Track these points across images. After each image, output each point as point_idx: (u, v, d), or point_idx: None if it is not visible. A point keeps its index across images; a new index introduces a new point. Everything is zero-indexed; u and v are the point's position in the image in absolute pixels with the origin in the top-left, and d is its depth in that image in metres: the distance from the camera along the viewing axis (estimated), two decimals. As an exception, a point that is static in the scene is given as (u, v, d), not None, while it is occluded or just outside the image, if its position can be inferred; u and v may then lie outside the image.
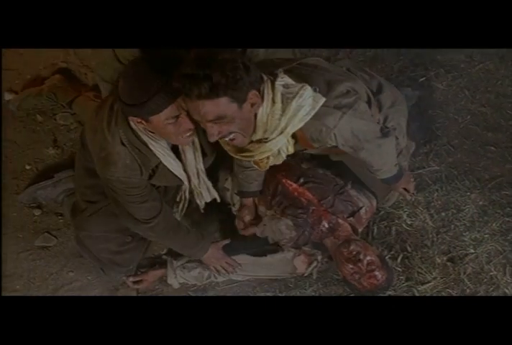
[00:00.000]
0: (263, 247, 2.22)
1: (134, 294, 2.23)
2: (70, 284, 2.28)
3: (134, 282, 2.23)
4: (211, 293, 2.24)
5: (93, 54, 2.59)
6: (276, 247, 2.20)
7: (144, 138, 1.74)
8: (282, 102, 1.61)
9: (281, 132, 1.66)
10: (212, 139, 1.60)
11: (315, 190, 2.12)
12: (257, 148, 1.71)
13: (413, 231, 2.26)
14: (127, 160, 1.77)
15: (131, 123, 1.72)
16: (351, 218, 2.09)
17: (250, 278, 2.24)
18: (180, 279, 2.23)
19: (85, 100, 2.47)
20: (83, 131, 1.97)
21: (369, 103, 1.84)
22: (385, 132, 1.85)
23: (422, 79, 2.55)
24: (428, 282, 2.14)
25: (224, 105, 1.51)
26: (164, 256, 2.28)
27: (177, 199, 2.10)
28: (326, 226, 2.07)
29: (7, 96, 2.58)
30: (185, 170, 1.91)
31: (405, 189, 2.11)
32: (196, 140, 1.84)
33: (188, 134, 1.70)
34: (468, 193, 2.32)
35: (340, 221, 2.08)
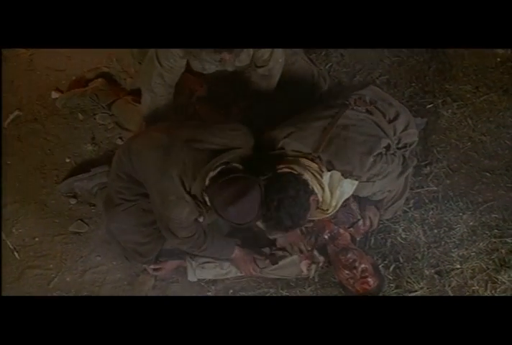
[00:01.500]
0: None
1: (152, 281, 2.49)
2: (97, 268, 2.55)
3: (154, 269, 2.48)
4: (220, 286, 2.50)
5: (134, 63, 2.86)
6: (283, 251, 2.45)
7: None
8: (330, 191, 2.05)
9: (335, 208, 2.12)
10: None
11: (321, 202, 2.38)
12: (320, 215, 2.17)
13: (407, 244, 2.50)
14: (192, 207, 2.04)
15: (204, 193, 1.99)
16: (351, 229, 2.35)
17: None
18: (200, 276, 2.47)
19: (124, 103, 2.71)
20: (133, 151, 2.16)
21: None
22: (401, 171, 2.23)
23: (429, 106, 2.75)
24: (415, 291, 2.38)
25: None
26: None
27: None
28: (328, 234, 2.33)
29: (54, 95, 2.83)
30: None
31: (369, 219, 2.39)
32: None
33: None
34: (461, 214, 2.54)
35: (341, 230, 2.34)
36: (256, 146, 2.14)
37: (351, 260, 2.23)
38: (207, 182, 1.93)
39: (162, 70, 2.34)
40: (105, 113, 2.79)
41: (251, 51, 2.35)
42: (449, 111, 2.75)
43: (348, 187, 2.06)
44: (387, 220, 2.52)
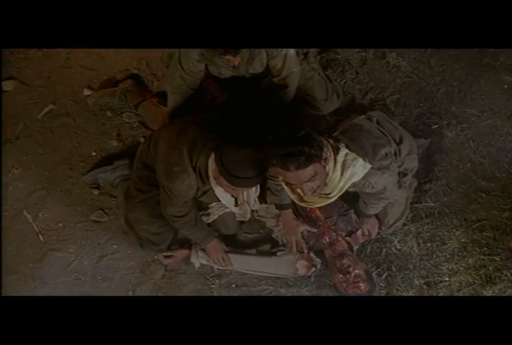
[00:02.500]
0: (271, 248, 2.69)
1: (162, 270, 2.70)
2: (112, 255, 2.76)
3: (165, 257, 2.69)
4: (224, 280, 2.69)
5: (161, 67, 3.06)
6: (284, 247, 2.65)
7: (210, 174, 2.21)
8: (341, 169, 2.10)
9: (340, 191, 2.16)
10: (308, 195, 2.07)
11: (324, 208, 2.55)
12: (322, 200, 2.20)
13: (400, 254, 2.67)
14: (192, 181, 2.23)
15: (210, 161, 2.18)
16: (348, 237, 2.53)
17: (259, 273, 2.68)
18: (202, 260, 2.68)
19: (149, 104, 2.91)
20: (156, 138, 2.40)
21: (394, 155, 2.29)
22: (399, 185, 2.37)
23: (435, 126, 2.90)
24: (404, 298, 2.56)
25: (315, 167, 1.96)
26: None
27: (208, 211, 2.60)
28: (327, 240, 2.52)
29: (86, 92, 3.03)
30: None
31: (368, 230, 2.55)
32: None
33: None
34: (454, 230, 2.70)
35: (339, 238, 2.52)
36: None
37: (345, 265, 2.41)
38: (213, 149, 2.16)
39: (183, 73, 2.52)
40: (131, 113, 2.99)
41: (264, 60, 2.48)
42: (453, 132, 2.90)
43: (359, 170, 2.11)
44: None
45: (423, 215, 2.75)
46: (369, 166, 2.11)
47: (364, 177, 2.15)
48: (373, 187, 2.22)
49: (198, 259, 2.69)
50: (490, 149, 2.87)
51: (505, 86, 3.00)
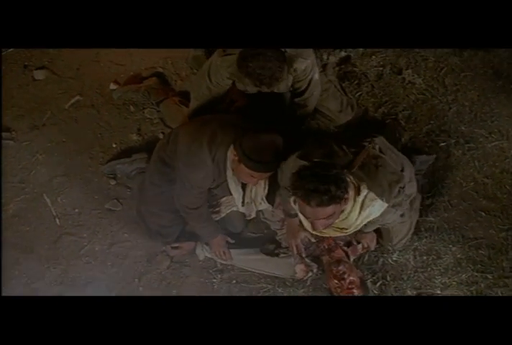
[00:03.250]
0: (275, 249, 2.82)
1: (168, 262, 2.83)
2: (123, 243, 2.91)
3: (172, 248, 2.82)
4: (226, 275, 2.82)
5: (186, 68, 3.20)
6: (287, 250, 2.76)
7: (228, 165, 2.34)
8: (360, 208, 2.18)
9: (356, 228, 2.29)
10: (317, 230, 2.19)
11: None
12: (336, 233, 2.35)
13: (396, 265, 2.77)
14: (209, 172, 2.37)
15: (229, 152, 2.31)
16: (346, 248, 2.64)
17: (258, 271, 2.81)
18: (206, 253, 2.81)
19: (171, 103, 3.05)
20: (176, 132, 2.54)
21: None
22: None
23: (443, 144, 2.99)
24: (395, 307, 2.67)
25: (335, 207, 2.03)
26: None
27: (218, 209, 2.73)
28: (326, 247, 2.64)
29: (112, 86, 3.18)
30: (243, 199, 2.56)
31: (367, 244, 2.65)
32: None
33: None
34: (450, 246, 2.79)
35: (338, 246, 2.64)
36: None
37: (341, 272, 2.54)
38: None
39: (211, 85, 2.65)
40: (153, 109, 3.12)
41: (290, 82, 2.59)
42: (460, 151, 2.98)
43: (377, 209, 2.19)
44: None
45: (422, 229, 2.84)
46: (385, 205, 2.19)
47: (381, 215, 2.26)
48: (384, 222, 2.38)
49: (202, 251, 2.82)
50: (494, 170, 2.95)
51: (517, 108, 3.09)
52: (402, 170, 2.39)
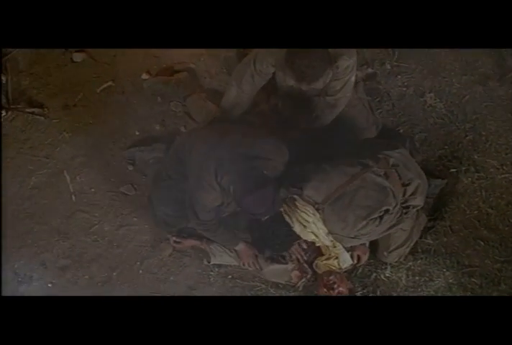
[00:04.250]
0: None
1: (170, 250, 2.97)
2: (131, 226, 3.04)
3: (175, 241, 2.96)
4: (223, 269, 2.94)
5: (216, 66, 3.31)
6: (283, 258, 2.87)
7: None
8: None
9: (324, 239, 2.52)
10: None
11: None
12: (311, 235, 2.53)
13: (388, 282, 2.85)
14: (217, 195, 2.46)
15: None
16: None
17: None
18: (215, 260, 2.91)
19: (198, 98, 3.16)
20: (191, 144, 2.57)
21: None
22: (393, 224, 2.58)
23: (453, 170, 3.04)
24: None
25: None
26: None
27: None
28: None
29: (144, 76, 3.29)
30: None
31: (358, 256, 2.74)
32: None
33: None
34: (444, 270, 2.86)
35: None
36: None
37: (331, 282, 2.64)
38: (234, 174, 2.36)
39: (254, 72, 2.71)
40: (179, 103, 3.23)
41: (328, 79, 2.61)
42: (469, 179, 3.03)
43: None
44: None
45: (419, 250, 2.92)
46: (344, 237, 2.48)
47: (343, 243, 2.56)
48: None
49: (216, 260, 2.91)
50: (500, 201, 3.00)
51: (533, 145, 3.12)
52: (409, 184, 2.54)
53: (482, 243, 2.92)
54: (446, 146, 3.13)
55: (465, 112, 3.19)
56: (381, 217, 2.43)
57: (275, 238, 2.59)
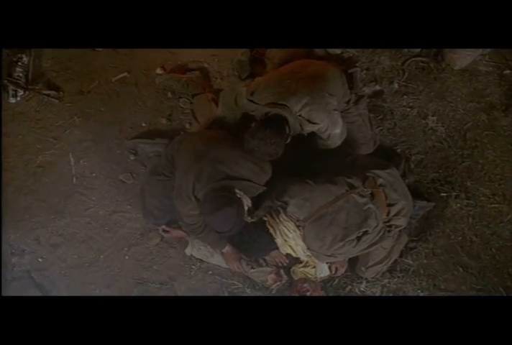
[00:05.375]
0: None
1: (158, 240, 3.08)
2: (124, 213, 3.16)
3: (164, 230, 3.05)
4: (204, 265, 3.04)
5: (229, 67, 3.41)
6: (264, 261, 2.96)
7: None
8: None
9: (301, 254, 2.68)
10: None
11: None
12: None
13: (361, 296, 2.91)
14: (194, 206, 2.55)
15: None
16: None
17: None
18: (194, 253, 3.01)
19: (204, 99, 3.26)
20: (178, 149, 2.70)
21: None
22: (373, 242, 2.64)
23: (444, 194, 3.08)
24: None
25: None
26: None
27: None
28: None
29: (158, 70, 3.41)
30: None
31: (336, 268, 2.80)
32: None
33: None
34: (419, 291, 2.91)
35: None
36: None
37: (304, 289, 2.71)
38: (208, 191, 2.45)
39: (236, 107, 2.79)
40: (187, 100, 3.33)
41: (316, 128, 2.64)
42: (458, 205, 3.07)
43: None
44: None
45: (398, 269, 2.97)
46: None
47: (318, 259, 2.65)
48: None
49: (193, 251, 3.01)
50: (485, 230, 3.03)
51: (527, 178, 3.13)
52: (393, 204, 2.60)
53: (461, 269, 2.96)
54: (440, 170, 3.16)
55: (465, 139, 3.22)
56: (359, 238, 2.49)
57: (255, 244, 2.65)
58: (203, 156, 2.54)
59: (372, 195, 2.56)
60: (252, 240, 2.63)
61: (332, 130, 2.68)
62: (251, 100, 2.64)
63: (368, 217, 2.49)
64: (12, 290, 2.91)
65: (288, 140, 2.60)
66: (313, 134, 2.75)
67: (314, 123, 2.60)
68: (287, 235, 2.49)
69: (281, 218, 2.51)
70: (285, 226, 2.49)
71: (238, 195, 2.42)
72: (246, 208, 2.51)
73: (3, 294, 2.85)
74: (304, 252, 2.55)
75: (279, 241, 2.53)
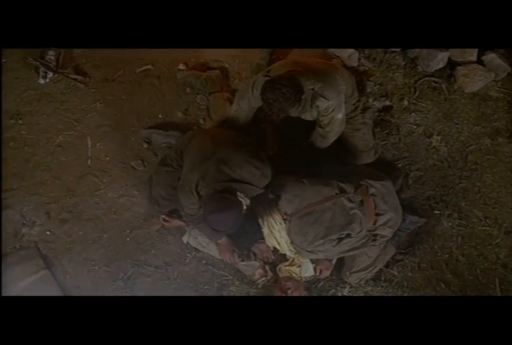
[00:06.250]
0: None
1: (159, 226, 3.24)
2: (131, 198, 3.32)
3: (164, 219, 3.23)
4: (199, 254, 3.17)
5: (248, 69, 3.56)
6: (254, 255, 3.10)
7: None
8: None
9: (285, 249, 2.80)
10: None
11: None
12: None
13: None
14: (195, 201, 2.72)
15: None
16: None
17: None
18: (191, 241, 3.16)
19: (220, 97, 3.42)
20: (191, 137, 2.89)
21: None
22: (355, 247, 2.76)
23: (437, 212, 3.19)
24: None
25: None
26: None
27: None
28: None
29: (181, 66, 3.59)
30: None
31: (320, 270, 2.92)
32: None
33: None
34: (400, 302, 3.03)
35: (295, 263, 2.96)
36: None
37: (287, 287, 2.85)
38: (210, 191, 2.59)
39: (251, 96, 2.93)
40: (205, 97, 3.50)
41: (314, 115, 2.83)
42: (450, 224, 3.18)
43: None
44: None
45: (382, 278, 3.09)
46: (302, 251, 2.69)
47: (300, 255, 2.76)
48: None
49: (189, 239, 3.18)
50: (472, 251, 3.13)
51: (521, 206, 3.22)
52: (381, 215, 2.72)
53: (443, 285, 3.06)
54: (437, 189, 3.27)
55: (466, 160, 3.32)
56: (340, 239, 2.61)
57: (243, 233, 2.78)
58: (210, 156, 2.68)
59: (362, 203, 2.69)
60: (242, 228, 2.74)
61: (336, 113, 2.81)
62: (267, 76, 2.78)
63: (353, 221, 2.61)
64: (17, 258, 3.10)
65: (298, 107, 2.71)
66: (314, 123, 2.92)
67: (325, 99, 2.72)
68: (273, 226, 2.62)
69: (271, 210, 2.65)
70: (273, 218, 2.62)
71: (239, 198, 2.55)
72: (244, 207, 2.63)
73: (8, 260, 3.06)
74: (288, 246, 2.67)
75: (265, 231, 2.65)
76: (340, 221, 2.61)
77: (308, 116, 2.90)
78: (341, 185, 2.68)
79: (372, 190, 2.73)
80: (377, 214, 2.71)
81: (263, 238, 2.77)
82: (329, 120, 2.85)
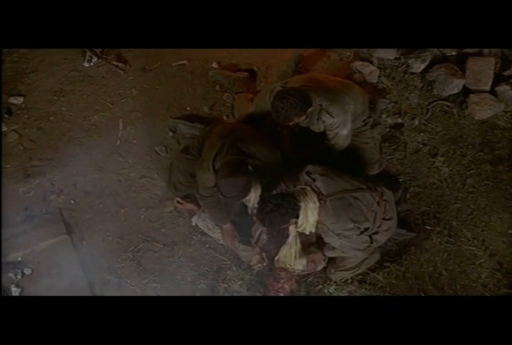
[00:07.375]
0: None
1: (171, 208, 3.54)
2: (151, 179, 3.63)
3: (178, 202, 3.53)
4: (205, 238, 3.45)
5: (275, 74, 3.83)
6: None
7: None
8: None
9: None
10: None
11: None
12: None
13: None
14: (211, 176, 2.98)
15: None
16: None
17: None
18: (199, 223, 3.45)
19: (244, 98, 3.69)
20: (209, 130, 3.18)
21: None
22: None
23: (428, 227, 3.40)
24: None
25: None
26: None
27: None
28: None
29: (214, 65, 3.90)
30: None
31: (313, 260, 3.16)
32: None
33: None
34: (379, 306, 3.26)
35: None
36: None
37: (279, 276, 3.11)
38: (225, 161, 2.88)
39: (268, 101, 3.15)
40: (231, 95, 3.80)
41: (322, 127, 3.09)
42: (439, 240, 3.37)
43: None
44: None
45: (368, 282, 3.30)
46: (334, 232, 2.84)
47: (324, 236, 2.92)
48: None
49: (198, 221, 3.45)
50: (456, 267, 3.32)
51: (510, 231, 3.39)
52: (388, 220, 2.95)
53: (423, 295, 3.27)
54: (432, 206, 3.48)
55: (465, 183, 3.52)
56: (361, 231, 2.84)
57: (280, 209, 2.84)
58: (227, 135, 3.00)
59: (378, 204, 2.92)
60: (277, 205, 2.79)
61: (340, 130, 3.07)
62: (283, 86, 3.05)
63: (370, 217, 2.84)
64: (43, 221, 3.45)
65: (306, 118, 2.98)
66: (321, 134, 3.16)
67: (330, 116, 2.99)
68: (309, 203, 2.80)
69: (307, 190, 2.84)
70: (310, 197, 2.80)
71: (250, 170, 2.84)
72: (257, 193, 2.97)
73: (35, 221, 3.39)
74: (313, 224, 2.84)
75: (302, 205, 2.79)
76: (365, 212, 2.82)
77: (315, 128, 3.16)
78: (364, 181, 2.93)
79: (385, 196, 2.97)
80: (384, 219, 2.95)
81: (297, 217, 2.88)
82: (334, 135, 3.11)
